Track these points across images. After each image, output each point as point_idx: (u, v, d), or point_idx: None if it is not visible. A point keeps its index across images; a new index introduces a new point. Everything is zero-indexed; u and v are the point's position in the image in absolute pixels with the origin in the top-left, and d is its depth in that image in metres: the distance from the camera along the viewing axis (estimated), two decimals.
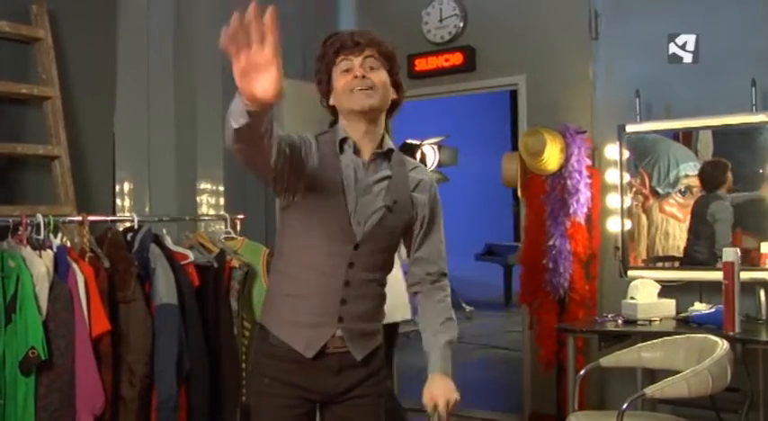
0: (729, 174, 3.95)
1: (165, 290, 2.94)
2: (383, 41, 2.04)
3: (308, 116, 4.46)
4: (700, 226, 4.07)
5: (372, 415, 2.12)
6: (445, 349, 2.11)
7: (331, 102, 2.07)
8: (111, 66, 3.66)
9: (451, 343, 2.13)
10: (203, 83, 4.21)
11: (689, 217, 4.09)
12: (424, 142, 7.42)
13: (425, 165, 7.38)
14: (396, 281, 2.41)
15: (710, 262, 3.99)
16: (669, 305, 3.91)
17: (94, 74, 3.58)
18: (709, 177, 4.04)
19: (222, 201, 4.20)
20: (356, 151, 2.03)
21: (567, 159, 4.20)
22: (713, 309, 3.63)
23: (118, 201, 3.69)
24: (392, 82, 2.05)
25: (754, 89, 3.84)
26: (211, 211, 4.12)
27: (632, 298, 3.90)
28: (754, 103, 3.85)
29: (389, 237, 2.08)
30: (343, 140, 2.03)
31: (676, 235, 4.14)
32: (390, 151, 2.07)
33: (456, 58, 4.87)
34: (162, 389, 2.87)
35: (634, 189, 4.22)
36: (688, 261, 4.10)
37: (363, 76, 1.98)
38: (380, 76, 2.00)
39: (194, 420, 3.03)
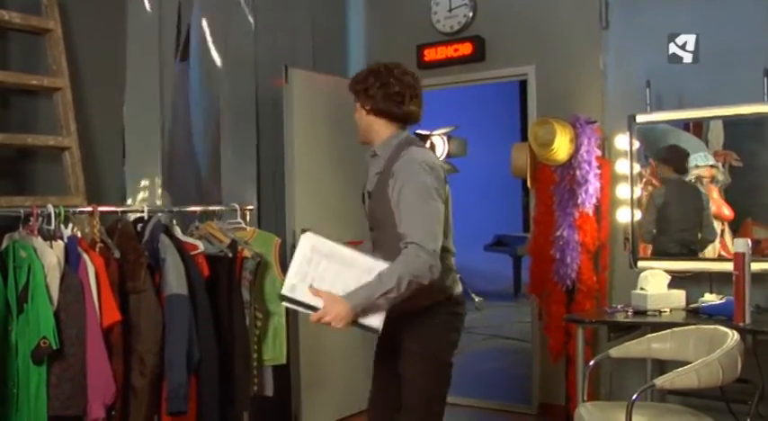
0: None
1: (175, 280, 2.95)
2: (349, 82, 2.63)
3: (318, 105, 4.49)
4: (691, 213, 4.07)
5: (404, 365, 2.56)
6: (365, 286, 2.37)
7: None
8: (120, 57, 3.66)
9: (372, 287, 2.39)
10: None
11: (666, 205, 4.12)
12: (434, 132, 7.39)
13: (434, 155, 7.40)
14: None
15: (697, 249, 4.02)
16: (679, 296, 3.90)
17: (104, 65, 3.59)
18: (677, 159, 4.08)
19: None
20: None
21: (576, 149, 4.18)
22: (723, 300, 3.62)
23: (128, 192, 3.70)
24: (361, 105, 2.59)
25: (766, 79, 3.82)
26: None
27: (642, 288, 3.89)
28: (766, 92, 3.82)
29: (376, 220, 2.58)
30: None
31: None
32: (374, 153, 2.60)
33: (465, 48, 4.86)
34: (172, 378, 2.89)
35: (644, 179, 4.20)
36: (665, 250, 4.11)
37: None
38: (357, 115, 2.64)
39: (205, 410, 3.05)
